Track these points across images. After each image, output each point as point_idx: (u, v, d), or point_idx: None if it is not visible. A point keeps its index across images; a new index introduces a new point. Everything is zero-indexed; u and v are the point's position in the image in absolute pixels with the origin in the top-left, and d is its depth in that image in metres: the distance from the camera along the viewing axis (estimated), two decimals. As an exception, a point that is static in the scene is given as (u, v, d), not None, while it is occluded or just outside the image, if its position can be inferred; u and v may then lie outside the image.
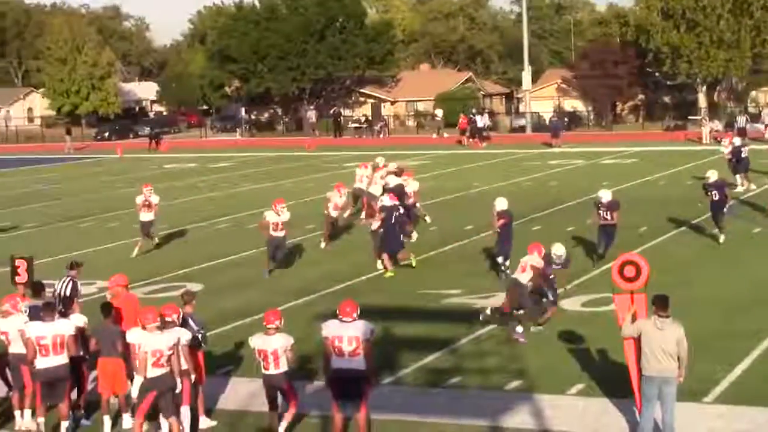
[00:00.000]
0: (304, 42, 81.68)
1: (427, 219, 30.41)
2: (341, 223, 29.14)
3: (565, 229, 28.63)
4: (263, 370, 12.96)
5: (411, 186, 28.86)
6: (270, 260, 23.73)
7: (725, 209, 25.81)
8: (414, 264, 23.60)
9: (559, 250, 18.85)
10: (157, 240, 27.77)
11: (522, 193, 37.10)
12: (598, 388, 14.59)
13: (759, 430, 12.90)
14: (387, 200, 24.61)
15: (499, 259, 22.17)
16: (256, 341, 12.95)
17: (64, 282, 16.12)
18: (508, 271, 21.24)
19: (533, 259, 17.89)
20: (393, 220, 23.59)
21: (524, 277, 17.80)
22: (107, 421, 13.59)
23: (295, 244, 26.51)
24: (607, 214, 23.30)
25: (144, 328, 12.97)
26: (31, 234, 32.10)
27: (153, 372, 12.76)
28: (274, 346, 12.79)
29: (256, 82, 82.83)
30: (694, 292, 19.98)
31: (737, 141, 37.05)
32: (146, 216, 27.29)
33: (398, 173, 30.16)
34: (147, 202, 27.29)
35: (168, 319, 13.03)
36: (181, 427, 12.94)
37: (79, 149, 72.99)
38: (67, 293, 15.86)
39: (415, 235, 27.47)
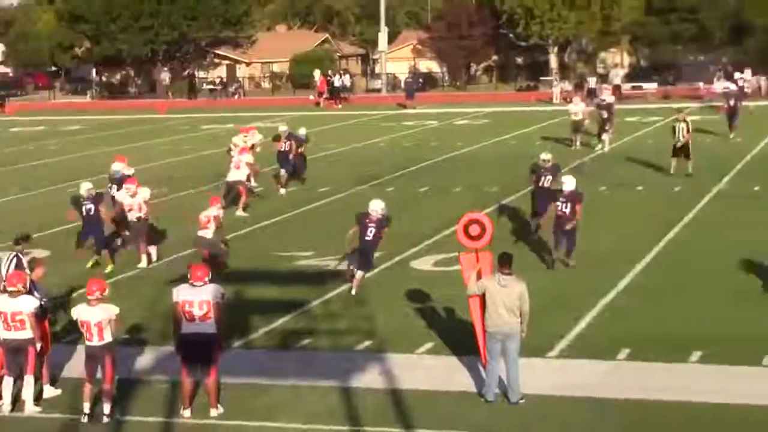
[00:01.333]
0: (158, 2, 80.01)
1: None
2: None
3: (419, 189, 28.92)
4: (86, 342, 12.68)
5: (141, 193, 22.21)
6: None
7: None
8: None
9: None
10: None
11: (377, 154, 37.31)
12: (446, 347, 14.81)
13: (601, 382, 13.25)
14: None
15: (359, 273, 17.98)
16: (79, 312, 12.68)
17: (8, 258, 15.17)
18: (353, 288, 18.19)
19: None
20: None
21: None
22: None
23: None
24: (566, 207, 19.24)
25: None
26: None
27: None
28: (97, 318, 12.50)
29: (107, 44, 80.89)
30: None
31: (608, 97, 37.00)
32: None
33: None
34: None
35: (12, 288, 12.75)
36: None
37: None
38: (10, 269, 14.79)
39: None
